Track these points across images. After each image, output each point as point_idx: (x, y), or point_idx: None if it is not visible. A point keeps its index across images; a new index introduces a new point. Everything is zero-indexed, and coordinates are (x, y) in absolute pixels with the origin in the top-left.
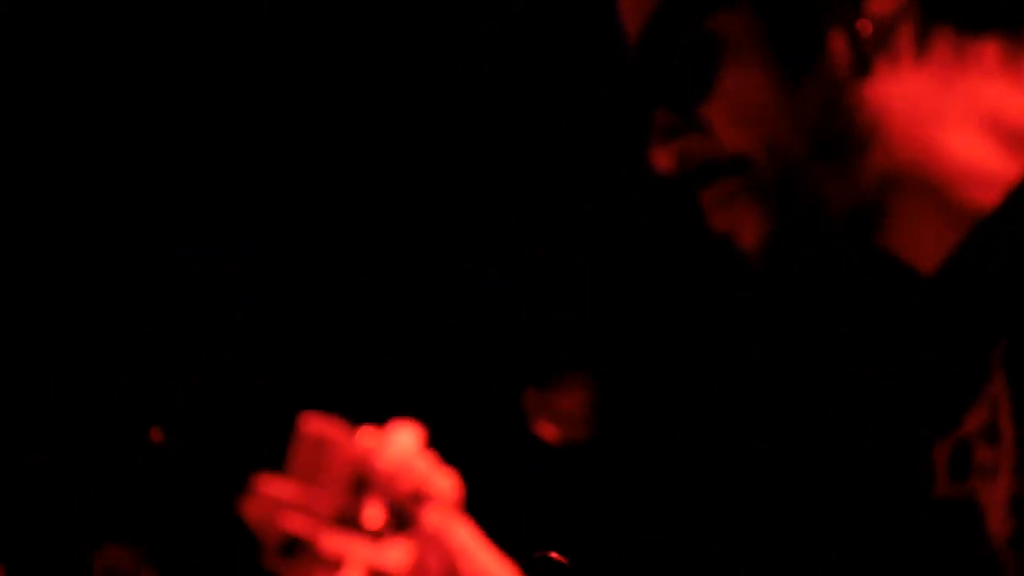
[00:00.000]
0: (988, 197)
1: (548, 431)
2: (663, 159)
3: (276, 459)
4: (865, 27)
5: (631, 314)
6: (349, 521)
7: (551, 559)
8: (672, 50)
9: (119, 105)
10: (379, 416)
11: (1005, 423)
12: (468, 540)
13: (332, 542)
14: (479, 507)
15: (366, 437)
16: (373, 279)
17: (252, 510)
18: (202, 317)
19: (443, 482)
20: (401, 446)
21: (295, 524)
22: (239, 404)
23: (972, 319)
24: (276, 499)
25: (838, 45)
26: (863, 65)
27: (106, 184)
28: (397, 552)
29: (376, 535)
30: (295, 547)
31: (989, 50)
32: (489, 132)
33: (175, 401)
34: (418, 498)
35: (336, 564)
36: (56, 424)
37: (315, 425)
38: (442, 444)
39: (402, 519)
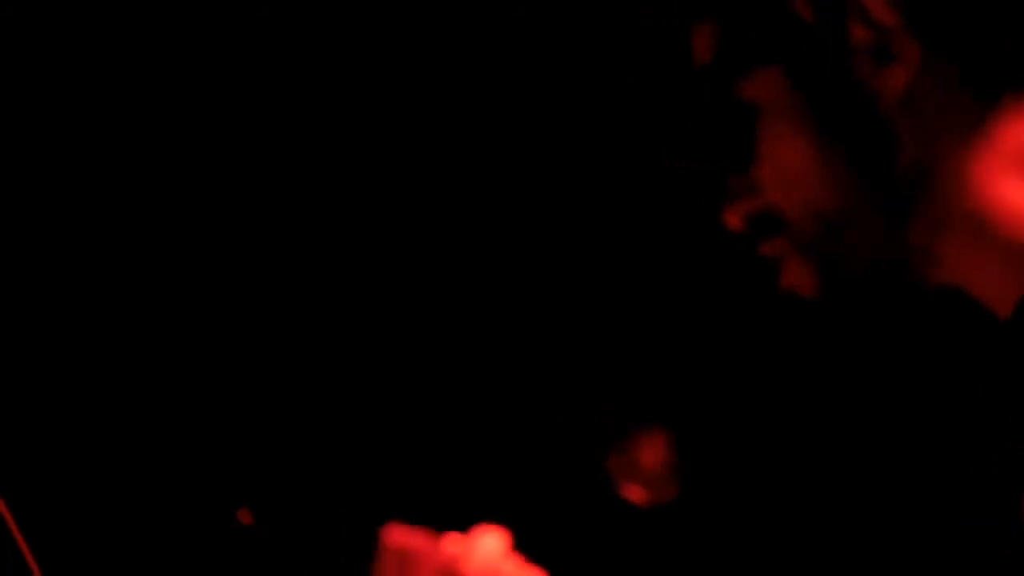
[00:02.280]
0: None
1: (635, 494)
2: (732, 219)
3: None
4: (896, 78)
5: (710, 358)
6: None
7: None
8: (719, 115)
9: (119, 105)
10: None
11: None
12: None
13: None
14: None
15: (451, 544)
16: (373, 279)
17: None
18: (202, 317)
19: None
20: (488, 550)
21: None
22: (238, 404)
23: None
24: None
25: (867, 102)
26: (894, 120)
27: (106, 184)
28: None
29: None
30: None
31: (1010, 92)
32: (489, 132)
33: (173, 403)
34: None
35: None
36: (56, 424)
37: (398, 537)
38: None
39: None
